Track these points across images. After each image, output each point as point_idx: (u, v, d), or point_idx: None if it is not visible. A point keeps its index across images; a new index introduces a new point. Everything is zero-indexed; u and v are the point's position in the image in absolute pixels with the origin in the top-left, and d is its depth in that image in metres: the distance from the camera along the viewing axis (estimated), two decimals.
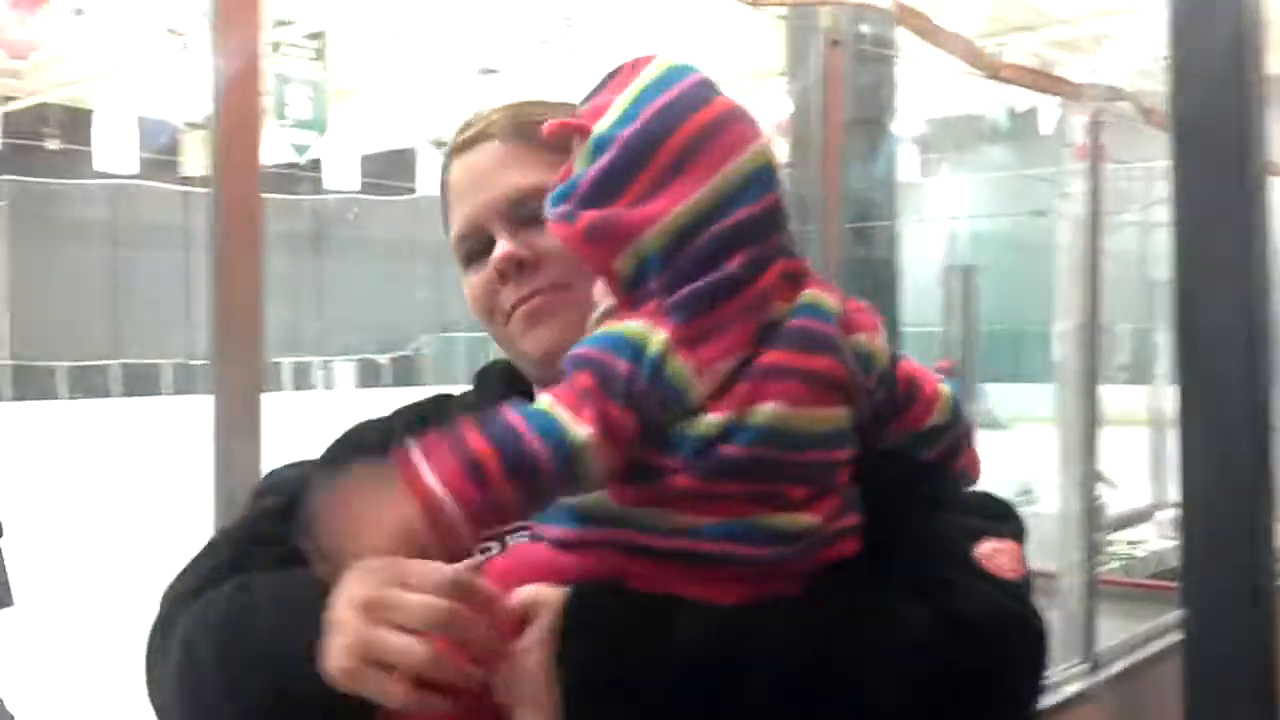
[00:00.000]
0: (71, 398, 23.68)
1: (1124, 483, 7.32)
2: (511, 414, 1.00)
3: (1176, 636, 2.61)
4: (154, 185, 24.39)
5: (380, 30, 17.31)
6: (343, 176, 23.15)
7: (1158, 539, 7.36)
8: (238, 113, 1.62)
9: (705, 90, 1.11)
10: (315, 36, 15.49)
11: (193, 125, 23.97)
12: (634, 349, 1.03)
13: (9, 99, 20.63)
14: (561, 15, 16.38)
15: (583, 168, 1.10)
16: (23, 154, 22.60)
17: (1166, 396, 9.84)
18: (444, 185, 1.34)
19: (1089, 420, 3.74)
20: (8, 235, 23.64)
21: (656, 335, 1.03)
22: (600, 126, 1.10)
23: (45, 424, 21.82)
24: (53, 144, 23.38)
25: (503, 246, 1.24)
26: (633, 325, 1.05)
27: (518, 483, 0.96)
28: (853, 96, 4.47)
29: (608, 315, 1.09)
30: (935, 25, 4.10)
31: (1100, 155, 3.49)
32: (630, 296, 1.08)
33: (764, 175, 1.09)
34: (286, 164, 17.52)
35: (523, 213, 1.24)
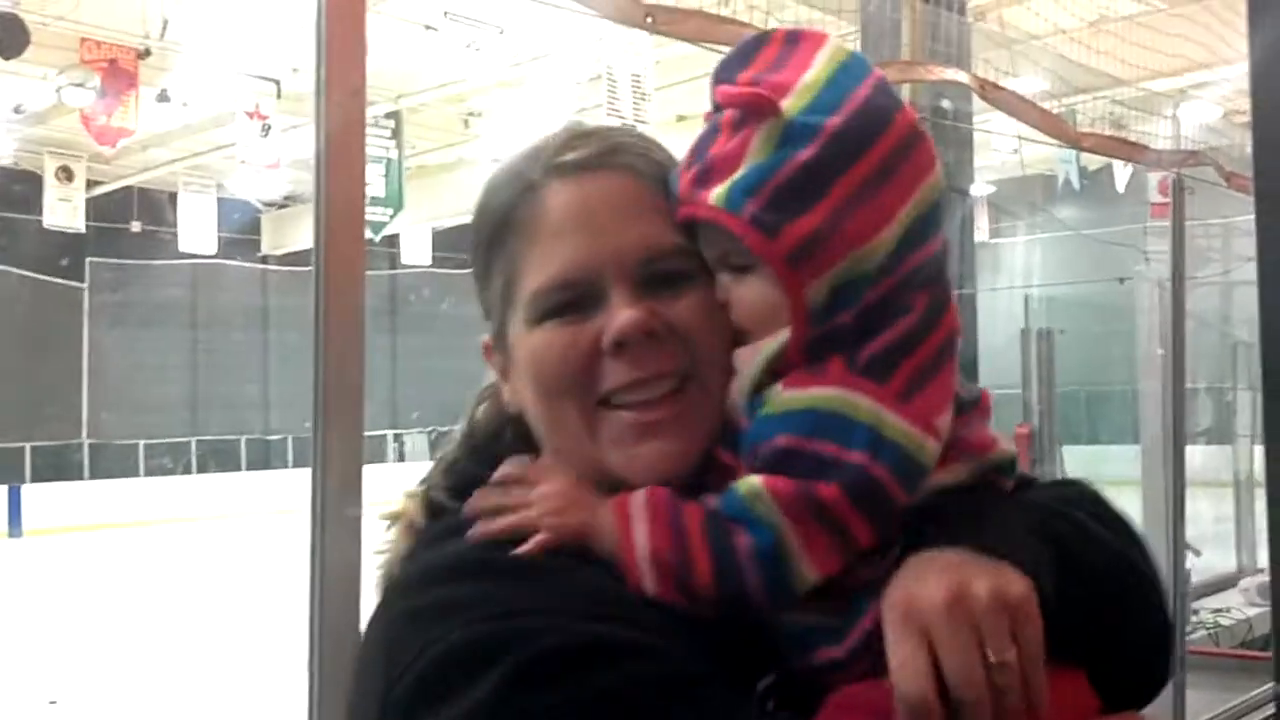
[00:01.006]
0: (148, 475, 24.05)
1: (1206, 547, 7.17)
2: (740, 535, 0.91)
3: (1270, 710, 2.55)
4: (233, 264, 24.91)
5: (451, 109, 17.63)
6: (417, 252, 23.48)
7: (1244, 606, 7.17)
8: (342, 193, 1.68)
9: (890, 86, 0.99)
10: (391, 116, 15.84)
11: (270, 205, 24.51)
12: (845, 426, 0.91)
13: (96, 184, 21.23)
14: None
15: (766, 155, 0.93)
16: (107, 236, 23.19)
17: (1250, 457, 9.65)
18: (519, 208, 1.04)
19: (1175, 483, 3.69)
20: (90, 316, 24.20)
21: (863, 402, 0.91)
22: (793, 107, 0.94)
23: (124, 501, 22.18)
24: (136, 226, 23.97)
25: (628, 314, 0.99)
26: (826, 394, 0.92)
27: (724, 598, 0.93)
28: None
29: (777, 360, 0.95)
30: (1015, 96, 4.13)
31: (1182, 218, 3.48)
32: (814, 332, 0.94)
33: (943, 202, 1.00)
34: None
35: (652, 273, 1.01)
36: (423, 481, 1.13)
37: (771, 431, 0.93)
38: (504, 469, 1.04)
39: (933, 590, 0.87)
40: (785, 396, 0.94)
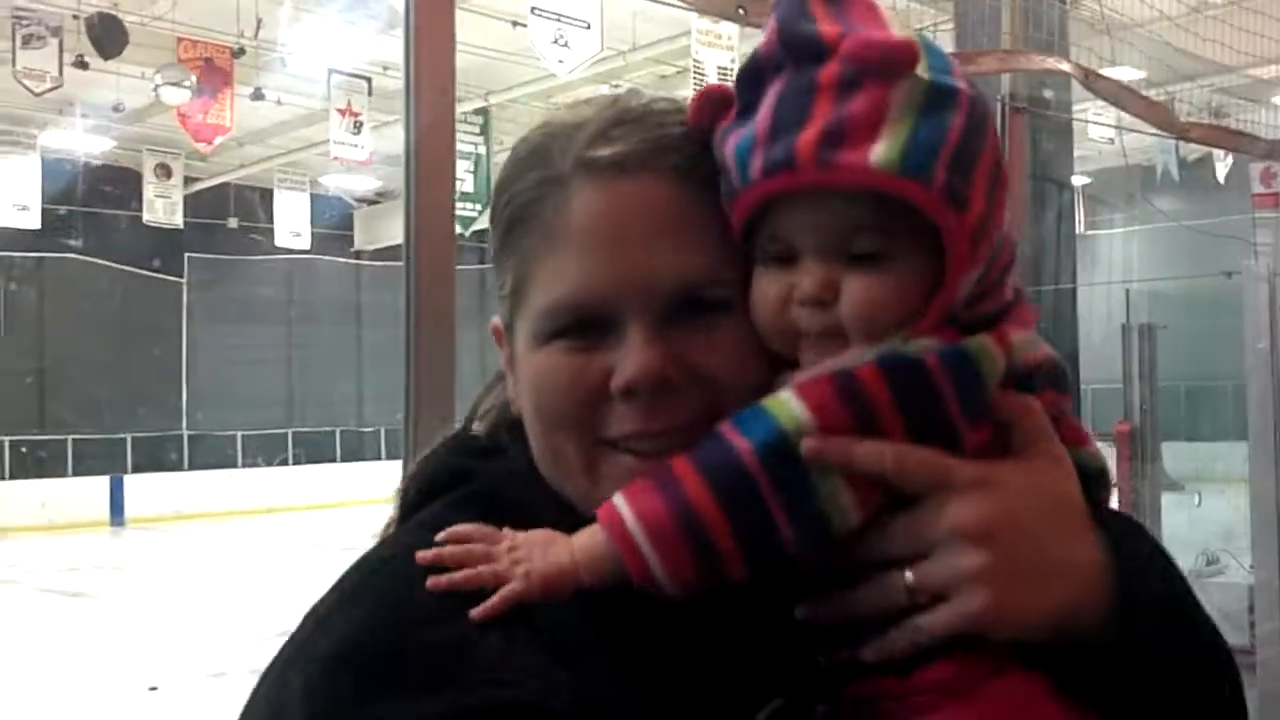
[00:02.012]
0: (245, 466, 24.54)
1: None
2: (738, 439, 0.82)
3: None
4: (327, 259, 25.31)
5: (539, 104, 17.72)
6: None
7: None
8: (431, 190, 1.67)
9: None
10: (480, 112, 15.95)
11: (363, 200, 24.85)
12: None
13: (194, 180, 21.69)
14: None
15: (917, 118, 0.83)
16: (205, 233, 23.69)
17: None
18: (540, 202, 0.91)
19: None
20: (189, 311, 24.75)
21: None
22: (924, 66, 0.84)
23: (222, 491, 22.65)
24: (232, 222, 24.46)
25: (642, 358, 0.87)
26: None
27: (750, 548, 0.84)
28: (1033, 160, 4.40)
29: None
30: (1121, 86, 4.02)
31: None
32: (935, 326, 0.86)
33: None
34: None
35: (679, 305, 0.89)
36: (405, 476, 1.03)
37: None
38: (471, 528, 0.89)
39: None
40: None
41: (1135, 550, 0.90)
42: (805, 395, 0.83)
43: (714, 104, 0.91)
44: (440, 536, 0.87)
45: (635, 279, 0.87)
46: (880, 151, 0.81)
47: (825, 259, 0.86)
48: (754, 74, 0.89)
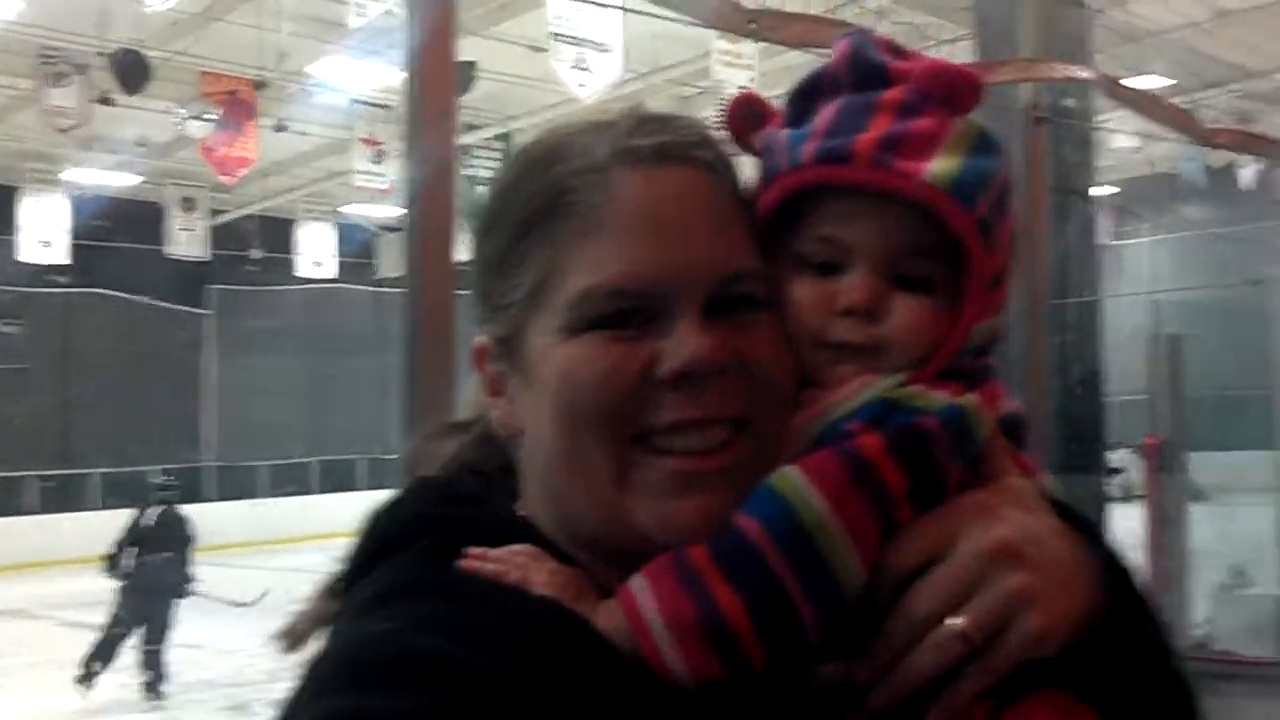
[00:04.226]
0: (273, 495, 24.59)
1: None
2: (751, 523, 0.81)
3: None
4: (349, 288, 25.41)
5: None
6: None
7: None
8: (432, 218, 1.65)
9: None
10: (502, 138, 16.01)
11: (386, 229, 24.97)
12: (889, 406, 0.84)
13: (219, 213, 21.84)
14: None
15: (969, 154, 0.86)
16: (230, 264, 23.83)
17: None
18: (579, 191, 0.87)
19: None
20: (215, 343, 24.89)
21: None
22: (975, 121, 0.89)
23: (250, 520, 22.69)
24: (257, 253, 24.60)
25: (701, 341, 0.84)
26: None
27: (767, 632, 0.81)
28: (1056, 171, 4.35)
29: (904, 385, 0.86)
30: (1143, 93, 3.98)
31: None
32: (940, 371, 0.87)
33: None
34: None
35: (725, 295, 0.88)
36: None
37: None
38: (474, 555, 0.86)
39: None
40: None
41: (1106, 544, 0.91)
42: (816, 480, 0.81)
43: (750, 111, 0.93)
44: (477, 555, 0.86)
45: (687, 264, 0.85)
46: (936, 166, 0.83)
47: (877, 272, 0.87)
48: (810, 91, 0.92)
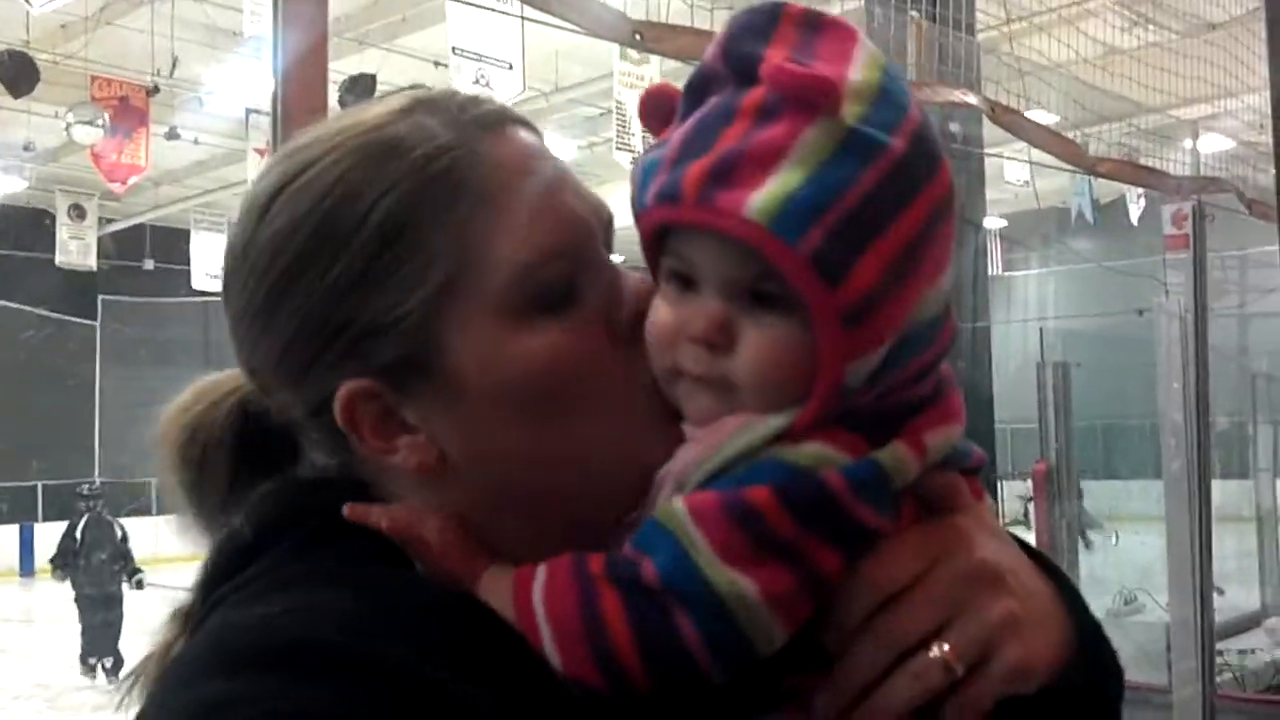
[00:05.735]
0: (160, 514, 24.00)
1: (1229, 585, 7.00)
2: (645, 562, 0.74)
3: None
4: None
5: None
6: None
7: (1271, 647, 6.98)
8: None
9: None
10: None
11: None
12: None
13: (108, 221, 21.29)
14: None
15: (823, 165, 0.72)
16: (120, 274, 23.23)
17: (1272, 492, 9.50)
18: (455, 171, 0.81)
19: (1201, 520, 3.56)
20: (102, 354, 24.23)
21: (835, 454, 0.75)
22: (854, 112, 0.73)
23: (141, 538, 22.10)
24: (148, 264, 24.02)
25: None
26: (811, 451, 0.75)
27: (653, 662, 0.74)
28: None
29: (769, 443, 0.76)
30: (1030, 122, 4.01)
31: (1203, 246, 3.37)
32: (828, 413, 0.75)
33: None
34: None
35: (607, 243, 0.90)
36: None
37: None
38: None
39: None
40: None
41: (1071, 586, 0.87)
42: (702, 523, 0.74)
43: (662, 104, 0.82)
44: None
45: (590, 211, 0.83)
46: (759, 199, 0.72)
47: (726, 296, 0.77)
48: (700, 84, 0.80)
